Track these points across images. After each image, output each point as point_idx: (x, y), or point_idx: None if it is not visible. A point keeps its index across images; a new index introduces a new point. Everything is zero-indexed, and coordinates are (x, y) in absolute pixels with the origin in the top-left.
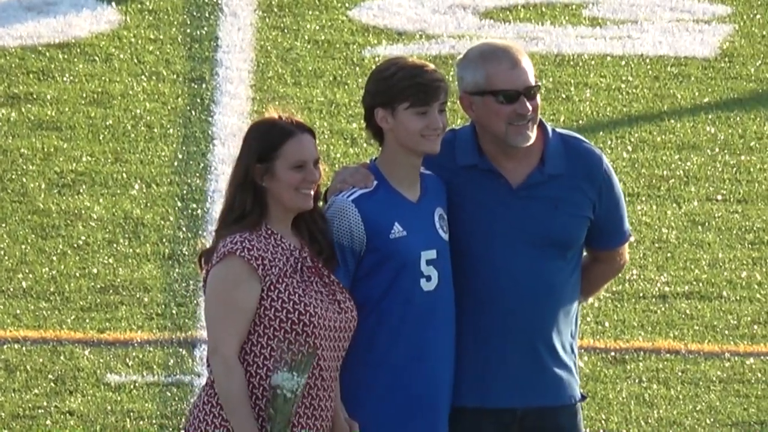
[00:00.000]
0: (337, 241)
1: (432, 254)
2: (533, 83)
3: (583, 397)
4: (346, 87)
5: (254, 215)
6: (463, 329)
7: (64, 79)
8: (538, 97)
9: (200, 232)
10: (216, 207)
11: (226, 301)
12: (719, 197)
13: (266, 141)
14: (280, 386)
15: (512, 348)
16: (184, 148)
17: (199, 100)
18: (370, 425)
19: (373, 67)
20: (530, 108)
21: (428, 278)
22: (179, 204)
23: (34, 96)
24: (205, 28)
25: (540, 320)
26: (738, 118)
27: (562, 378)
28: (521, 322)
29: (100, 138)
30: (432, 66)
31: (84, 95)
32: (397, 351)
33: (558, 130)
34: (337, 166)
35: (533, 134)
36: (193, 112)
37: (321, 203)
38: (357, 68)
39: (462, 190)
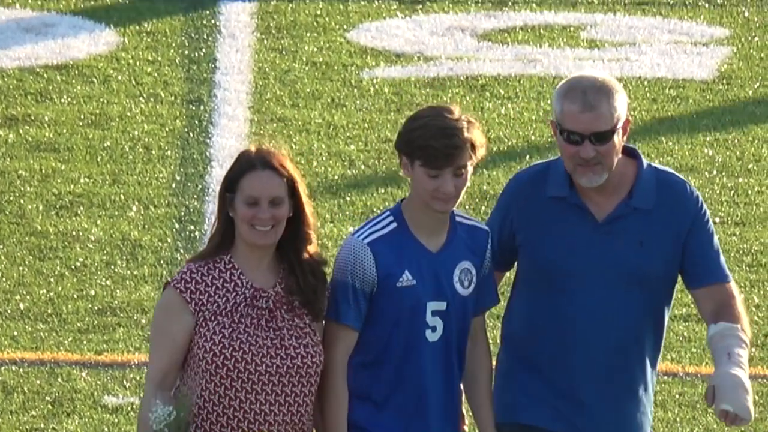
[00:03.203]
0: (349, 282)
1: (441, 306)
2: (604, 128)
3: None
4: (344, 109)
5: (217, 246)
6: (544, 360)
7: (62, 100)
8: (615, 139)
9: None
10: None
11: (157, 331)
12: (717, 219)
13: (232, 171)
14: (152, 420)
15: (590, 386)
16: (181, 169)
17: (197, 122)
18: None
19: (371, 88)
20: (593, 153)
21: (433, 329)
22: (177, 226)
23: (32, 117)
24: (204, 50)
25: (620, 361)
26: (736, 141)
27: (635, 419)
28: (601, 362)
29: (98, 159)
30: (457, 128)
31: (82, 117)
32: (396, 397)
33: (653, 164)
34: (334, 187)
35: (602, 177)
36: (191, 134)
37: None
38: (355, 90)
39: (549, 222)
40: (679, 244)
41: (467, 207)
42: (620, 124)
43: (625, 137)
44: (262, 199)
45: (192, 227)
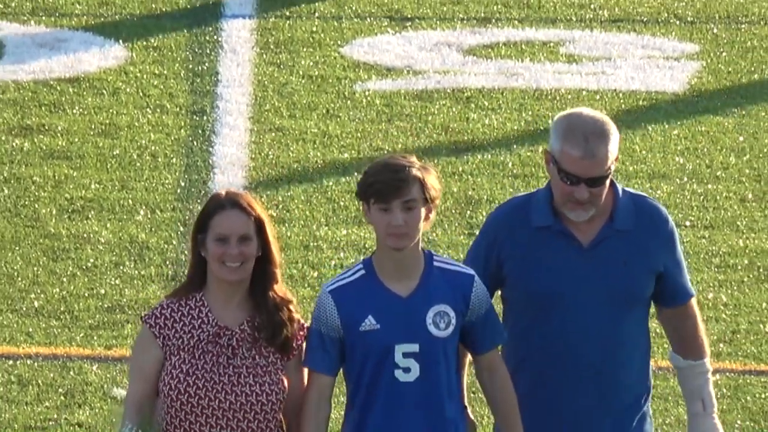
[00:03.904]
0: (318, 329)
1: (413, 347)
2: (600, 174)
3: None
4: (339, 119)
5: (189, 285)
6: (537, 381)
7: (74, 111)
8: (607, 181)
9: None
10: None
11: (132, 361)
12: (688, 223)
13: (202, 213)
14: None
15: (585, 401)
16: (186, 176)
17: (200, 132)
18: None
19: (364, 100)
20: (587, 195)
21: (406, 370)
22: (181, 228)
23: (46, 127)
24: (206, 64)
25: (612, 375)
26: (705, 150)
27: (633, 427)
28: (594, 377)
29: (108, 167)
30: (405, 165)
31: (93, 127)
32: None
33: (627, 189)
34: (329, 193)
35: (590, 213)
36: (195, 143)
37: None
38: (348, 102)
39: (536, 250)
40: (656, 262)
41: (453, 212)
42: (613, 166)
43: (612, 170)
44: (231, 237)
45: None
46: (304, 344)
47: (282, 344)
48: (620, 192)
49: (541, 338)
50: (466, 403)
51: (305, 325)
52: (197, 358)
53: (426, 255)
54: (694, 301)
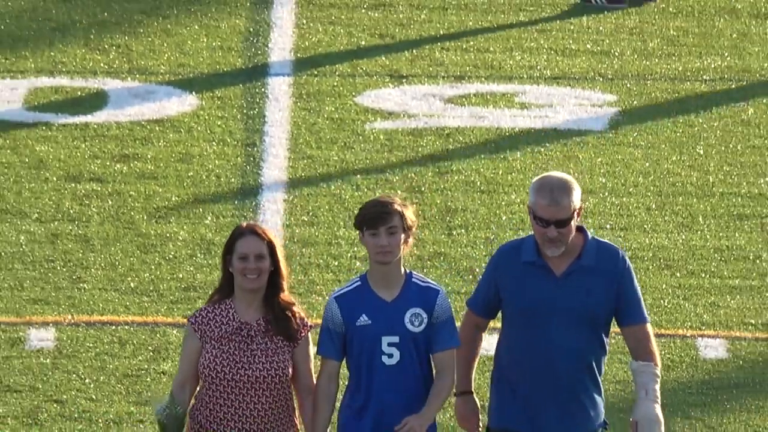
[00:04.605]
0: (326, 326)
1: (394, 339)
2: (564, 217)
3: (605, 425)
4: (353, 150)
5: (219, 293)
6: (519, 377)
7: (160, 144)
8: (572, 224)
9: None
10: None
11: (181, 352)
12: (608, 226)
13: (229, 239)
14: (157, 414)
15: (556, 394)
16: (241, 192)
17: (251, 159)
18: None
19: (372, 136)
20: (556, 234)
21: (389, 356)
22: None
23: (139, 156)
24: (256, 109)
25: (575, 376)
26: (621, 172)
27: (590, 413)
28: (563, 378)
29: (184, 184)
30: (388, 202)
31: (173, 155)
32: (364, 406)
33: (596, 237)
34: (347, 204)
35: (561, 249)
36: (248, 167)
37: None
38: (360, 137)
39: (523, 279)
40: (612, 291)
41: (437, 218)
42: (576, 213)
43: (579, 219)
44: (250, 255)
45: None
46: (308, 335)
47: (287, 334)
48: (589, 237)
49: (525, 341)
50: (473, 389)
51: (306, 321)
52: (224, 345)
53: (407, 273)
54: (648, 326)
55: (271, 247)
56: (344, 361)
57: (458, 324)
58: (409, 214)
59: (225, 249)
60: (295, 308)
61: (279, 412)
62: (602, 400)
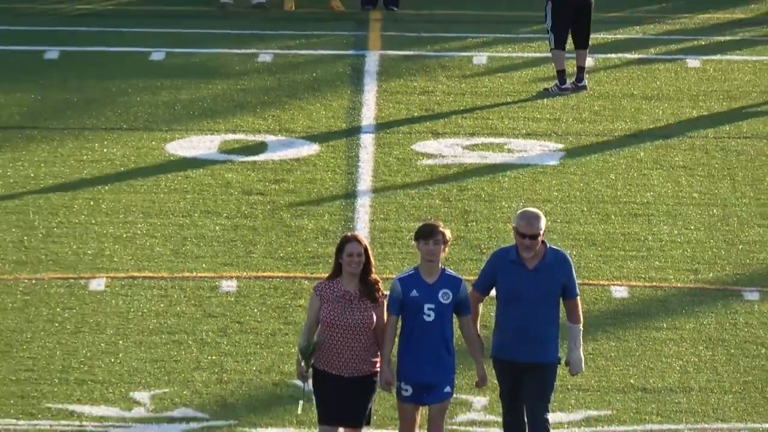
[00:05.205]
0: (390, 295)
1: (432, 305)
2: (534, 233)
3: (559, 359)
4: (410, 176)
5: (333, 275)
6: (507, 329)
7: (297, 173)
8: (539, 238)
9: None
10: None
11: (308, 308)
12: (559, 220)
13: (340, 242)
14: (300, 345)
15: (527, 338)
16: (344, 200)
17: (351, 181)
18: (402, 374)
19: (421, 169)
20: (529, 243)
21: (428, 315)
22: (342, 227)
23: (285, 179)
24: (354, 153)
25: (542, 329)
26: (565, 189)
27: (547, 349)
28: (531, 329)
29: (311, 196)
30: (436, 225)
31: (305, 179)
32: (411, 348)
33: (551, 245)
34: (408, 210)
35: (532, 253)
36: (348, 186)
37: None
38: (414, 169)
39: (509, 271)
40: (562, 278)
41: (458, 217)
42: (542, 232)
43: (543, 236)
44: (354, 253)
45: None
46: (385, 302)
47: (372, 298)
48: (548, 246)
49: (511, 309)
50: (479, 333)
51: (383, 292)
52: (335, 304)
53: (442, 268)
54: (578, 299)
55: (365, 249)
56: (400, 318)
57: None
58: (447, 233)
59: (337, 248)
60: (378, 285)
61: (367, 348)
62: (557, 342)
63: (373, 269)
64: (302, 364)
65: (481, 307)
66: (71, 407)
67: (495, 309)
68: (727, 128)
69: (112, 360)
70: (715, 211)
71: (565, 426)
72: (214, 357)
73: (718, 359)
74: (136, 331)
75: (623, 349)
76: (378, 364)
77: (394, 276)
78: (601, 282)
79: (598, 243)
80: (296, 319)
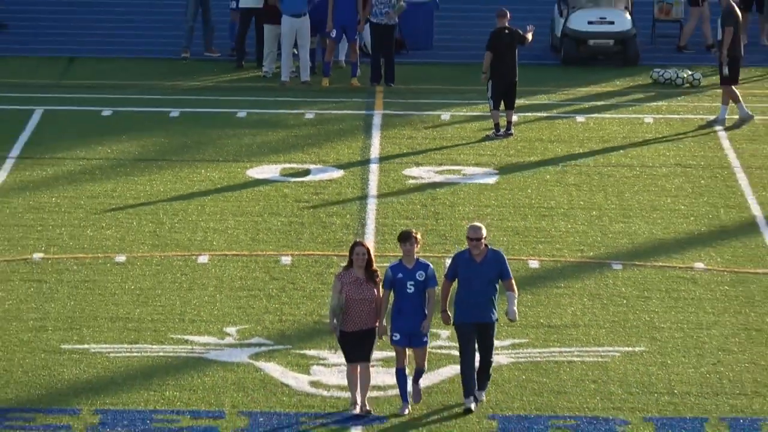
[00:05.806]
0: (386, 277)
1: (412, 282)
2: (479, 237)
3: (497, 319)
4: (401, 191)
5: (347, 266)
6: (465, 302)
7: (328, 190)
8: (482, 241)
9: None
10: (373, 238)
11: (333, 288)
12: (496, 220)
13: (352, 247)
14: (333, 306)
15: (479, 305)
16: (357, 204)
17: (364, 192)
18: (394, 326)
19: (409, 186)
20: (477, 244)
21: (410, 288)
22: (354, 233)
23: (321, 195)
24: (366, 176)
25: (487, 301)
26: (502, 201)
27: (492, 311)
28: (481, 301)
29: (343, 204)
30: (412, 231)
31: (333, 195)
32: (399, 310)
33: (491, 247)
34: (398, 212)
35: (479, 251)
36: (360, 195)
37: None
38: (404, 187)
39: (464, 266)
40: (499, 268)
41: (434, 218)
42: (484, 236)
43: (485, 240)
44: (360, 254)
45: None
46: (381, 282)
47: (374, 281)
48: (489, 248)
49: (466, 290)
50: (447, 308)
51: (380, 277)
52: (351, 286)
53: (416, 258)
54: (512, 279)
55: (368, 250)
56: (391, 292)
57: (439, 278)
58: (419, 236)
59: (350, 249)
60: (377, 273)
61: (370, 312)
62: (496, 309)
63: (374, 263)
64: (334, 321)
65: (451, 289)
66: (186, 337)
67: (456, 289)
68: (602, 160)
69: (212, 307)
70: (593, 212)
71: (498, 350)
72: (276, 305)
73: (596, 306)
74: (227, 288)
75: (536, 301)
76: (376, 322)
77: (388, 264)
78: (522, 258)
79: (520, 233)
80: (328, 282)
